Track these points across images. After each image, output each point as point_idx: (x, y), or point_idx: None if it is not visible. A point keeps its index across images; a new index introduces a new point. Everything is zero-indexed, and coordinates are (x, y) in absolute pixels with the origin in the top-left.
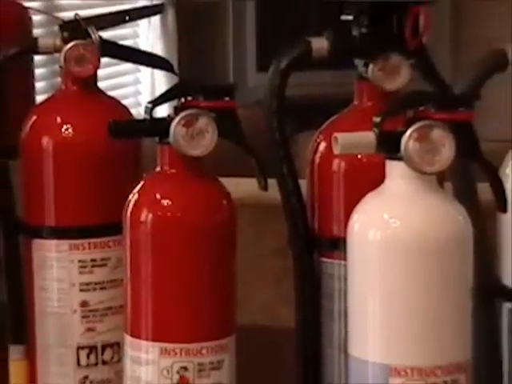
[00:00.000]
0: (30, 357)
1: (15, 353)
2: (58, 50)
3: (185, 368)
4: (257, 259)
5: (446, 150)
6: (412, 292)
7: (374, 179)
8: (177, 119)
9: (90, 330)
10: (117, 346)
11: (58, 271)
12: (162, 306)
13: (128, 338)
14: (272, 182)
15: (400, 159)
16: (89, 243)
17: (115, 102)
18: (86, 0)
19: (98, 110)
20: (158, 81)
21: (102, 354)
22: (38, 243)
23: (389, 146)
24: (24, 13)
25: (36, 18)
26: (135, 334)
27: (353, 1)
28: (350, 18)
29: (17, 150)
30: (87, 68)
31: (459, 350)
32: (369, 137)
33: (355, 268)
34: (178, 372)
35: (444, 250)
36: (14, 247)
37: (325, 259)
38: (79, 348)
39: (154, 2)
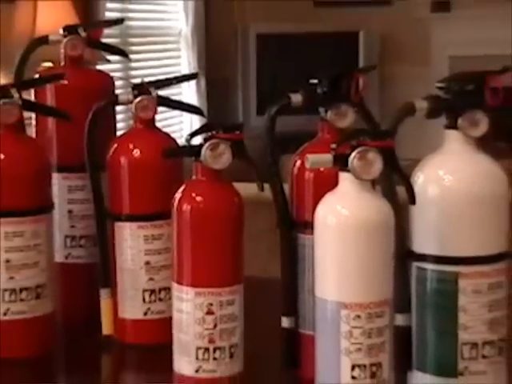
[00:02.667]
0: (113, 296)
1: (104, 294)
2: (130, 102)
3: (211, 303)
4: (256, 235)
5: (376, 165)
6: (353, 255)
7: (331, 184)
8: (206, 145)
9: (151, 279)
10: (168, 289)
11: (131, 242)
12: (196, 264)
13: (174, 285)
14: (266, 186)
15: (348, 171)
16: (150, 224)
17: (167, 135)
18: (149, 69)
19: (155, 140)
20: (194, 121)
21: (159, 294)
22: (118, 225)
23: (341, 162)
24: (110, 79)
25: (117, 82)
26: (179, 282)
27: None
28: (316, 81)
29: (105, 165)
30: (149, 113)
31: (385, 292)
32: (328, 157)
33: (318, 240)
34: (206, 306)
35: (375, 229)
36: (103, 228)
37: (300, 235)
38: (144, 291)
39: (192, 72)
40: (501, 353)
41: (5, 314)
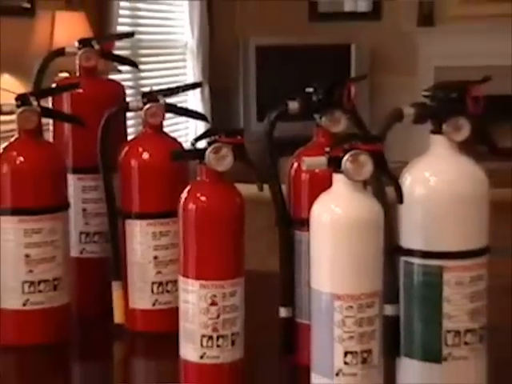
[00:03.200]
0: (124, 288)
1: (115, 286)
2: (140, 109)
3: (214, 295)
4: (256, 232)
5: (367, 167)
6: (346, 250)
7: (325, 185)
8: (209, 149)
9: (159, 272)
10: (175, 282)
11: (141, 238)
12: (201, 258)
13: (181, 277)
14: (265, 187)
15: (341, 172)
16: (158, 222)
17: (174, 139)
18: (157, 79)
19: (163, 144)
20: (198, 127)
21: (166, 286)
22: (128, 222)
23: (334, 164)
24: (121, 88)
25: (128, 91)
26: (185, 275)
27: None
28: (311, 90)
29: (116, 167)
30: (157, 119)
31: (375, 284)
32: (323, 159)
33: (314, 237)
34: (210, 297)
35: (366, 226)
36: (115, 225)
37: (297, 232)
38: (152, 283)
39: (197, 81)
40: (481, 340)
41: (24, 305)
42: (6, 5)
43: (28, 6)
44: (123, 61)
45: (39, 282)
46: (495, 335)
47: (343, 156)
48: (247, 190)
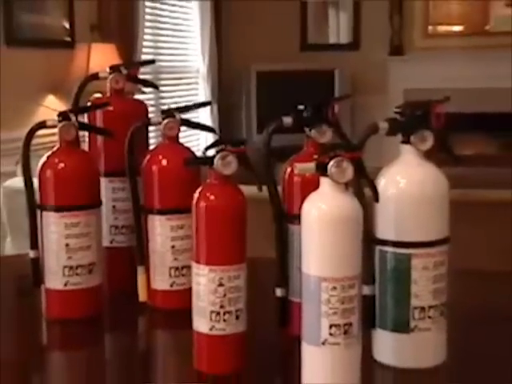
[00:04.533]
0: (147, 272)
1: (140, 270)
2: (160, 123)
3: (221, 278)
4: (256, 225)
5: (349, 172)
6: (331, 240)
7: (314, 186)
8: (218, 156)
9: (175, 259)
10: (189, 267)
11: (160, 230)
12: (210, 247)
13: (193, 263)
14: (264, 188)
15: (327, 176)
16: (175, 217)
17: (187, 149)
18: (174, 98)
19: (179, 152)
20: (208, 138)
21: (182, 270)
22: (150, 217)
23: (322, 169)
24: (144, 106)
25: (150, 108)
26: (197, 261)
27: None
28: (302, 107)
29: (140, 172)
30: (174, 132)
31: (355, 269)
32: (312, 165)
33: (304, 229)
34: (218, 280)
35: (348, 220)
36: (139, 220)
37: (290, 225)
38: (170, 268)
39: (207, 100)
40: (442, 314)
41: (65, 285)
42: (52, 39)
43: (69, 39)
44: (146, 83)
45: (77, 267)
46: (453, 310)
47: (329, 162)
48: (249, 190)
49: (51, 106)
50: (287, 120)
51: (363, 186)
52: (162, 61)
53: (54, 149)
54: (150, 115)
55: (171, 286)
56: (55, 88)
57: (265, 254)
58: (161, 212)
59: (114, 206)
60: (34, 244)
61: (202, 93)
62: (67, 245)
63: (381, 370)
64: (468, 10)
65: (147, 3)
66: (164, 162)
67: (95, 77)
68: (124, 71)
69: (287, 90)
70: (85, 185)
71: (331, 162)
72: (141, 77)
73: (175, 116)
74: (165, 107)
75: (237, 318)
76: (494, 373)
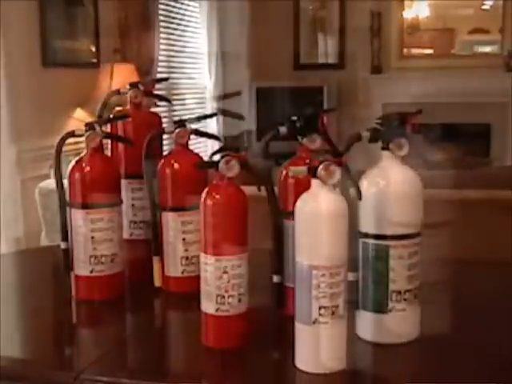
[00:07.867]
0: (161, 261)
1: (155, 260)
2: (172, 132)
3: (226, 266)
4: (255, 220)
5: (336, 174)
6: (321, 233)
7: (306, 187)
8: (222, 161)
9: (186, 250)
10: (197, 257)
11: (173, 225)
12: (216, 240)
13: (202, 254)
14: (262, 188)
15: (317, 178)
16: (186, 213)
17: (196, 154)
18: (185, 111)
19: (189, 158)
20: (214, 145)
21: (192, 260)
22: (164, 214)
23: (312, 172)
24: (159, 118)
25: (164, 119)
26: (205, 252)
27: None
28: (296, 118)
29: (156, 174)
30: (185, 140)
31: (342, 258)
32: (304, 169)
33: (297, 224)
34: (222, 268)
35: (335, 216)
36: (155, 216)
37: (285, 221)
38: (181, 257)
39: (213, 112)
40: (416, 297)
41: (91, 272)
42: (81, 61)
43: (95, 60)
44: (160, 98)
45: (101, 256)
46: (427, 293)
47: (318, 166)
48: (249, 190)
49: (79, 118)
50: (283, 129)
51: (348, 187)
52: (174, 78)
53: (82, 154)
54: (164, 125)
55: (182, 273)
56: (83, 102)
57: (263, 246)
58: (173, 209)
59: (132, 204)
60: (65, 237)
61: (209, 106)
62: (93, 237)
63: (363, 345)
64: (437, 36)
65: (162, 29)
66: (176, 166)
67: (117, 92)
68: (141, 87)
69: (282, 103)
70: (108, 186)
71: (321, 166)
72: (156, 92)
73: (186, 126)
74: (176, 118)
75: (239, 300)
76: (458, 346)
